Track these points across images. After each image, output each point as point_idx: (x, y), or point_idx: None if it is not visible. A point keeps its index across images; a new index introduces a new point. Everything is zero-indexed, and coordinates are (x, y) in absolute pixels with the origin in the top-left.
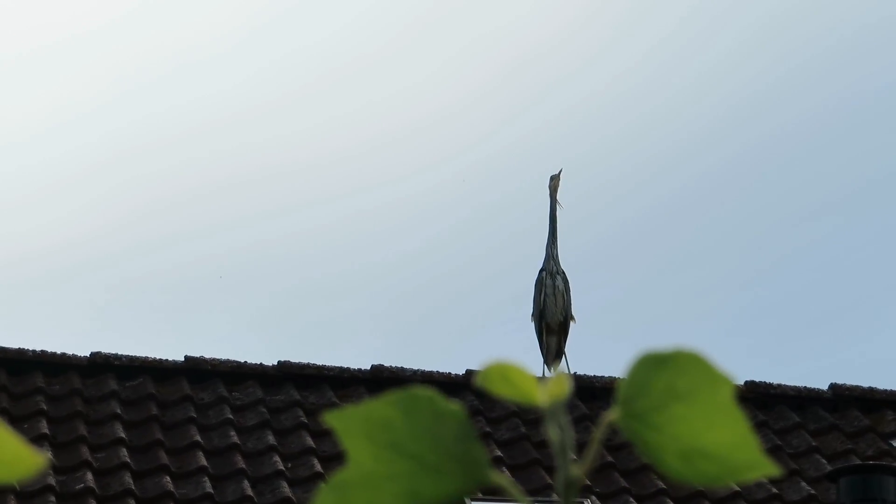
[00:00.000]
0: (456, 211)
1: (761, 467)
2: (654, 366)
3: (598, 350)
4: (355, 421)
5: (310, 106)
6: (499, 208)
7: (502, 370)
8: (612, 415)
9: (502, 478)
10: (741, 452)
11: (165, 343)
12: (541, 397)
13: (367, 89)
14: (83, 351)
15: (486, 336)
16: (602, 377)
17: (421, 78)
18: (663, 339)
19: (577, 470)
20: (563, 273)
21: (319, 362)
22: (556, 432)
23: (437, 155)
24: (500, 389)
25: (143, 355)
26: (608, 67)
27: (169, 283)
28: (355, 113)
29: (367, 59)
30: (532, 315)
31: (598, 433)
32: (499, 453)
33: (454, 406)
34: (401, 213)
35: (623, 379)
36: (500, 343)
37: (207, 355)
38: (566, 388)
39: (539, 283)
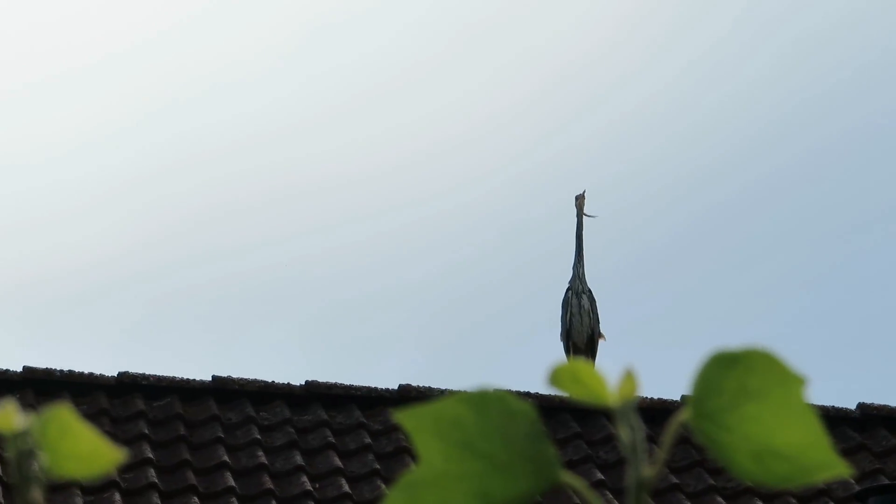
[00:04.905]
0: (485, 231)
1: (834, 467)
2: (725, 365)
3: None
4: (426, 419)
5: (343, 124)
6: (529, 228)
7: (572, 370)
8: (682, 415)
9: (572, 478)
10: (813, 452)
11: (195, 362)
12: (611, 397)
13: (401, 109)
14: (111, 370)
15: (514, 356)
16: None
17: (454, 98)
18: (692, 358)
19: (649, 470)
20: (590, 291)
21: (349, 381)
22: (628, 432)
23: (467, 175)
24: (570, 389)
25: (171, 375)
26: (648, 82)
27: (200, 301)
28: (387, 132)
29: (397, 81)
30: (560, 334)
31: (665, 446)
32: None
33: (525, 405)
34: (427, 233)
35: (694, 379)
36: (528, 363)
37: (236, 375)
38: (636, 387)
39: (565, 303)
